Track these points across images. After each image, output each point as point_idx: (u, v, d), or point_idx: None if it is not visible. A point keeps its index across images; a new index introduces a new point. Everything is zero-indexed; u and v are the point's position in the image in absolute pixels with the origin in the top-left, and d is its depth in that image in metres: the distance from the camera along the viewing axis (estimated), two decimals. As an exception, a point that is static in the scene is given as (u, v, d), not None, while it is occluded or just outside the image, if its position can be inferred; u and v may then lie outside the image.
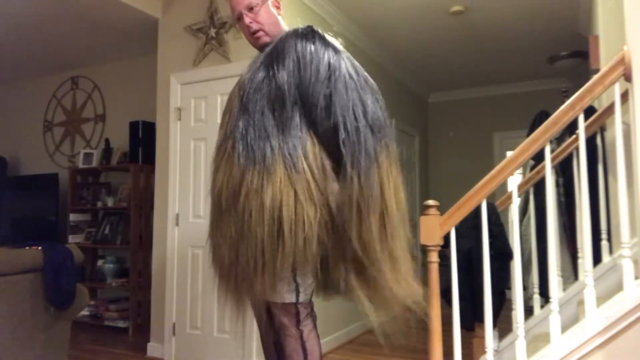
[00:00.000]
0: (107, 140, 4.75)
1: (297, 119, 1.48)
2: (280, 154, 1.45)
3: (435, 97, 6.58)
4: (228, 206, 1.49)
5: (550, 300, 1.98)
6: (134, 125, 4.32)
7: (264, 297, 1.54)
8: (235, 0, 1.68)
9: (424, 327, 2.01)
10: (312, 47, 1.52)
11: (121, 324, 4.20)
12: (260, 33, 1.66)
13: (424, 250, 2.18)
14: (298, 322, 1.57)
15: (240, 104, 1.55)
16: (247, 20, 1.65)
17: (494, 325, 2.30)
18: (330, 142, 1.48)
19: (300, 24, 1.66)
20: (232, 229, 1.48)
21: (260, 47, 1.68)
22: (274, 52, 1.56)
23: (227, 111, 1.66)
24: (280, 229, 1.42)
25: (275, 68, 1.52)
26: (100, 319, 4.31)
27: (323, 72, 1.48)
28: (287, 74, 1.50)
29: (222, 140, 1.59)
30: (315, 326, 1.63)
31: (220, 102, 3.29)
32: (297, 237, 1.42)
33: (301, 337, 1.58)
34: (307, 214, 1.42)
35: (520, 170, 2.64)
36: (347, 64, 1.53)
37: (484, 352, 2.13)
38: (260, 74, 1.54)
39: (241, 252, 1.46)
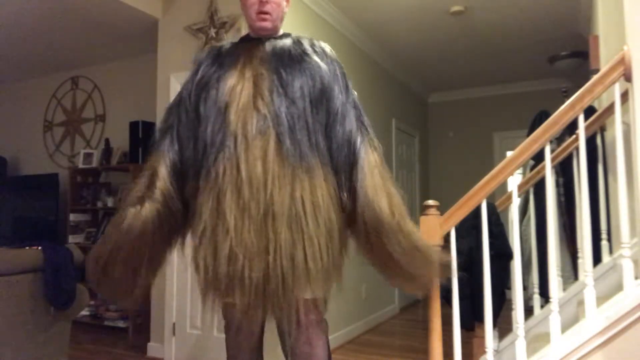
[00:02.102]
0: (107, 140, 4.75)
1: (325, 121, 1.55)
2: (318, 153, 1.49)
3: (435, 97, 6.58)
4: (281, 210, 1.38)
5: (550, 300, 1.98)
6: (134, 125, 4.32)
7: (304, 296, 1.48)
8: None
9: (424, 327, 2.01)
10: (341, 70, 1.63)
11: (121, 324, 4.19)
12: (268, 17, 1.59)
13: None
14: (321, 317, 1.58)
15: (282, 88, 1.49)
16: None
17: (494, 325, 2.30)
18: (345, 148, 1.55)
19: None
20: (282, 235, 1.37)
21: (257, 29, 1.61)
22: (314, 54, 1.60)
23: (251, 78, 1.51)
24: (331, 234, 1.44)
25: (320, 71, 1.55)
26: (100, 319, 4.31)
27: (345, 86, 1.61)
28: (326, 80, 1.56)
29: (263, 122, 1.44)
30: None
31: (220, 102, 3.28)
32: (344, 242, 1.53)
33: (326, 331, 1.61)
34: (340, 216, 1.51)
35: (520, 170, 2.64)
36: None
37: (484, 352, 2.13)
38: (299, 76, 1.53)
39: (298, 259, 1.38)
